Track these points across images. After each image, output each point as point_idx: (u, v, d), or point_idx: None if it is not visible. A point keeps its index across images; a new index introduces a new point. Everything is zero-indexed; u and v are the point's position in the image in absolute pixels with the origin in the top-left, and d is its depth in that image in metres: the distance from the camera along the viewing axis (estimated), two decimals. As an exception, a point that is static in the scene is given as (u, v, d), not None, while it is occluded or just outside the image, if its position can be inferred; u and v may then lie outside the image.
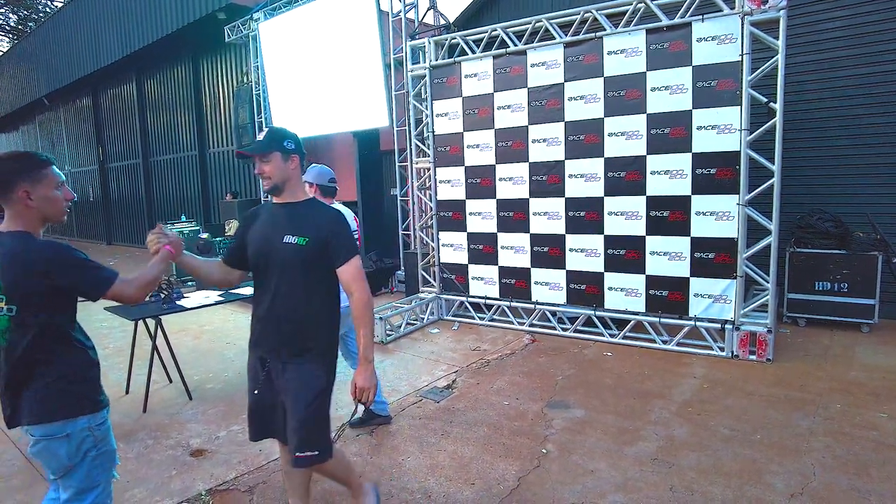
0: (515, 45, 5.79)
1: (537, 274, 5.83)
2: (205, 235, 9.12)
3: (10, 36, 29.22)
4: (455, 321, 6.36)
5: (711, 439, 3.53)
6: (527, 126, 5.73)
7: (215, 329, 6.50)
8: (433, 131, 6.44)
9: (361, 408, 2.31)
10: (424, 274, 6.79)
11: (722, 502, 2.86)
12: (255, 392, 2.35)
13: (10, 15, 29.22)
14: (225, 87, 12.52)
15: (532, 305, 5.90)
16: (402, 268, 7.94)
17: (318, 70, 8.84)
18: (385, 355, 5.43)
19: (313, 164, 4.01)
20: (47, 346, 1.90)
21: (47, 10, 28.43)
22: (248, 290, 4.42)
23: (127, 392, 4.62)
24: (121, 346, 6.00)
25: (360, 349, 2.24)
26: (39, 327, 1.88)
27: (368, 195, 9.46)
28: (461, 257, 6.38)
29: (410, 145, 6.98)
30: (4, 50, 26.68)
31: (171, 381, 4.75)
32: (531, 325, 5.92)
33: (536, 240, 5.80)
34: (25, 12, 28.80)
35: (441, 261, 6.56)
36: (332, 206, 3.96)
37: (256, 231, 2.33)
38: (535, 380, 4.63)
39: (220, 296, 4.73)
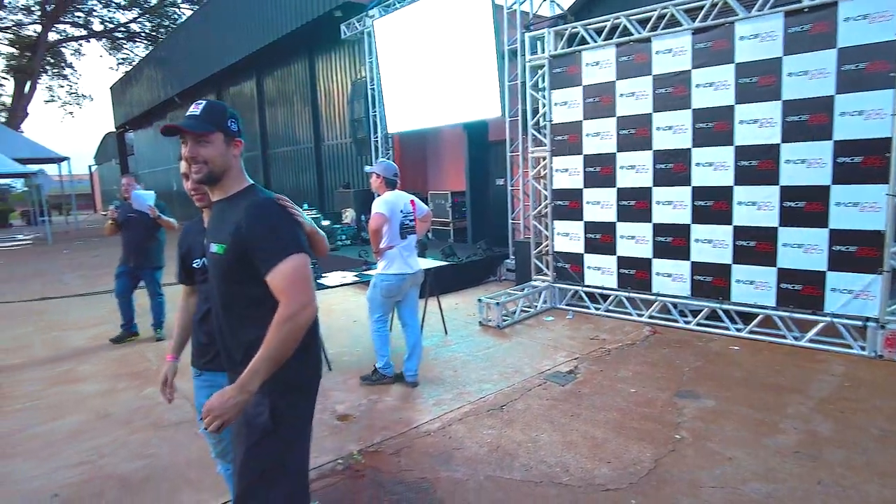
0: (639, 33, 5.71)
1: (659, 264, 5.74)
2: (326, 223, 9.71)
3: (146, 42, 32.18)
4: (570, 310, 6.40)
5: (861, 437, 3.38)
6: (651, 114, 5.65)
7: (341, 308, 6.95)
8: (550, 120, 6.49)
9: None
10: (537, 262, 6.87)
11: (881, 502, 2.76)
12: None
13: (146, 23, 32.17)
14: (339, 83, 13.17)
15: (652, 297, 5.82)
16: (512, 256, 8.07)
17: (431, 64, 9.12)
18: (502, 339, 5.59)
19: (381, 159, 4.32)
20: None
21: (175, 15, 31.07)
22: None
23: (273, 361, 5.09)
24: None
25: (249, 367, 1.61)
26: None
27: (476, 185, 9.68)
28: (577, 246, 6.40)
29: (527, 135, 7.06)
30: (143, 55, 29.44)
31: (309, 353, 5.16)
32: (650, 316, 5.85)
33: (659, 229, 5.71)
34: (160, 20, 31.55)
35: (555, 250, 6.61)
36: (385, 194, 4.42)
37: (202, 239, 1.99)
38: (661, 370, 4.60)
39: (355, 276, 5.08)
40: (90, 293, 8.24)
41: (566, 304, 6.56)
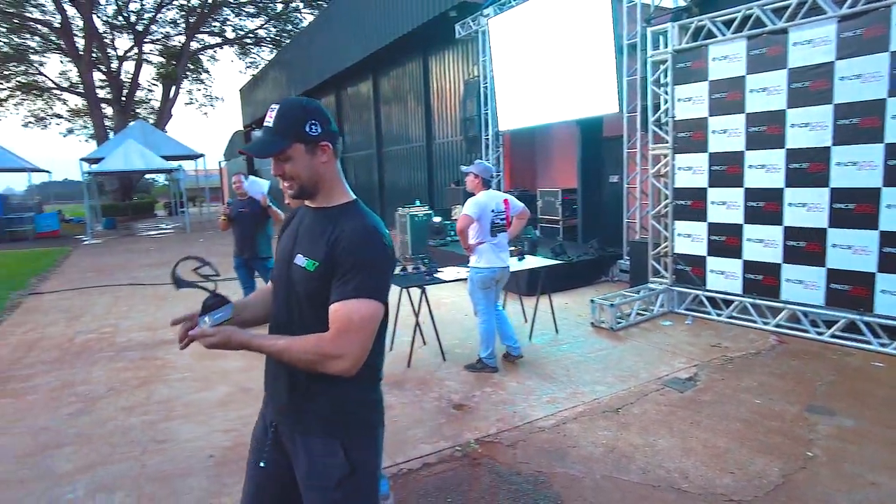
0: (774, 24, 5.37)
1: (789, 270, 5.38)
2: (437, 219, 9.99)
3: (271, 46, 34.57)
4: (689, 315, 6.16)
5: None
6: (785, 109, 5.29)
7: (451, 302, 7.16)
8: (673, 116, 6.26)
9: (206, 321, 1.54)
10: (655, 264, 6.66)
11: None
12: (261, 465, 1.65)
13: (272, 28, 34.54)
14: (451, 82, 13.44)
15: (780, 304, 5.47)
16: (627, 257, 7.88)
17: (546, 60, 9.09)
18: (617, 342, 5.51)
19: (478, 160, 4.47)
20: None
21: (297, 20, 33.09)
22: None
23: (391, 349, 5.36)
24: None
25: (264, 337, 1.54)
26: None
27: (589, 182, 9.54)
28: (699, 248, 6.14)
29: (646, 131, 6.86)
30: (268, 59, 31.69)
31: (424, 343, 5.39)
32: (777, 325, 5.50)
33: (791, 233, 5.34)
34: (284, 25, 33.78)
35: (675, 251, 6.38)
36: (479, 194, 4.69)
37: (282, 240, 1.73)
38: (789, 382, 4.33)
39: (468, 271, 5.22)
40: (227, 279, 9.07)
41: (685, 309, 6.31)
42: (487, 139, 10.96)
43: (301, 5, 32.66)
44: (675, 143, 6.27)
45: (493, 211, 4.68)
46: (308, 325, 1.53)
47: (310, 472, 1.56)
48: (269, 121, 1.54)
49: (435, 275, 5.22)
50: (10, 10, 26.68)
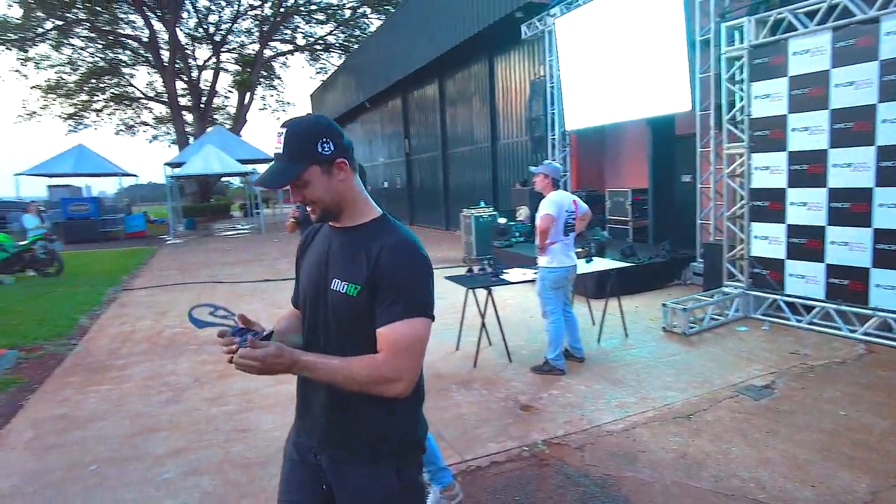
0: (864, 13, 5.07)
1: (880, 275, 5.05)
2: (502, 220, 10.01)
3: (340, 52, 35.60)
4: (765, 320, 5.90)
5: None
6: (876, 104, 4.99)
7: (516, 303, 7.17)
8: (749, 114, 6.02)
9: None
10: (730, 267, 6.42)
11: None
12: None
13: (340, 34, 35.59)
14: (517, 82, 13.42)
15: (869, 311, 5.15)
16: (700, 259, 7.63)
17: (615, 59, 8.93)
18: (689, 347, 5.37)
19: (547, 161, 4.41)
20: None
21: (365, 26, 33.92)
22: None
23: (457, 349, 5.45)
24: (441, 311, 7.06)
25: (317, 358, 1.41)
26: None
27: (660, 182, 9.29)
28: (777, 251, 5.87)
29: (720, 129, 6.63)
30: (337, 65, 32.64)
31: (490, 343, 5.44)
32: (866, 333, 5.18)
33: (882, 235, 5.02)
34: (352, 31, 34.73)
35: (752, 254, 6.13)
36: (551, 194, 4.72)
37: (307, 262, 1.64)
38: (879, 394, 4.09)
39: (535, 273, 5.23)
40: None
41: (762, 314, 6.05)
42: (553, 139, 10.88)
43: (368, 11, 33.47)
44: (752, 141, 6.03)
45: (566, 210, 4.73)
46: (345, 347, 1.46)
47: (359, 496, 1.52)
48: (279, 146, 1.44)
49: (501, 276, 5.26)
50: (106, 28, 28.79)
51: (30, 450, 3.79)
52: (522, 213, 10.99)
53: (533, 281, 5.21)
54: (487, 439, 3.66)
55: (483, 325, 5.14)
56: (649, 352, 5.28)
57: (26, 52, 28.69)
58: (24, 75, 37.56)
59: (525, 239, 10.10)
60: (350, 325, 1.46)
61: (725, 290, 6.33)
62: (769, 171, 5.88)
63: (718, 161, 7.09)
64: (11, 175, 20.62)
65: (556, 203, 4.67)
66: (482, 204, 11.15)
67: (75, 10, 27.27)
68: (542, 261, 4.77)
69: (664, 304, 5.92)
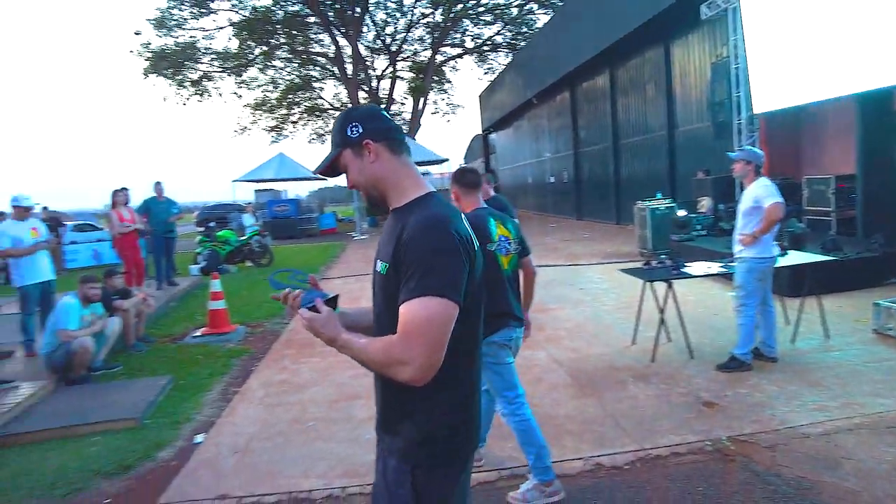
0: None
1: None
2: (682, 212, 9.52)
3: (507, 50, 36.08)
4: None
5: None
6: None
7: (697, 300, 6.83)
8: None
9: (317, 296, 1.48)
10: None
11: None
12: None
13: (507, 33, 36.02)
14: (696, 65, 12.61)
15: None
16: (924, 254, 6.59)
17: (813, 31, 7.99)
18: (907, 350, 4.73)
19: (747, 146, 4.03)
20: None
21: (531, 22, 33.92)
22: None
23: (633, 343, 5.39)
24: (616, 304, 7.01)
25: (353, 338, 1.41)
26: None
27: (872, 168, 8.13)
28: None
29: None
30: (504, 64, 33.25)
31: (669, 339, 5.28)
32: None
33: None
34: (518, 28, 35.01)
35: None
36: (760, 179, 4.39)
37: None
38: None
39: (721, 266, 4.98)
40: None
41: None
42: (739, 123, 10.03)
43: (535, 7, 33.46)
44: None
45: None
46: (384, 328, 1.43)
47: (376, 494, 1.52)
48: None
49: (683, 269, 5.09)
50: (301, 48, 32.53)
51: (263, 405, 4.63)
52: (705, 204, 10.29)
53: (717, 275, 4.98)
54: (667, 431, 3.63)
55: (662, 319, 5.02)
56: (855, 355, 4.74)
57: (241, 75, 33.42)
58: (239, 95, 43.52)
59: (707, 232, 9.49)
60: (386, 305, 1.45)
61: (960, 288, 5.42)
62: None
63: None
64: (230, 181, 24.46)
65: (778, 190, 4.40)
66: (659, 195, 10.67)
67: (277, 35, 31.16)
68: (752, 251, 4.48)
69: (876, 304, 5.24)
